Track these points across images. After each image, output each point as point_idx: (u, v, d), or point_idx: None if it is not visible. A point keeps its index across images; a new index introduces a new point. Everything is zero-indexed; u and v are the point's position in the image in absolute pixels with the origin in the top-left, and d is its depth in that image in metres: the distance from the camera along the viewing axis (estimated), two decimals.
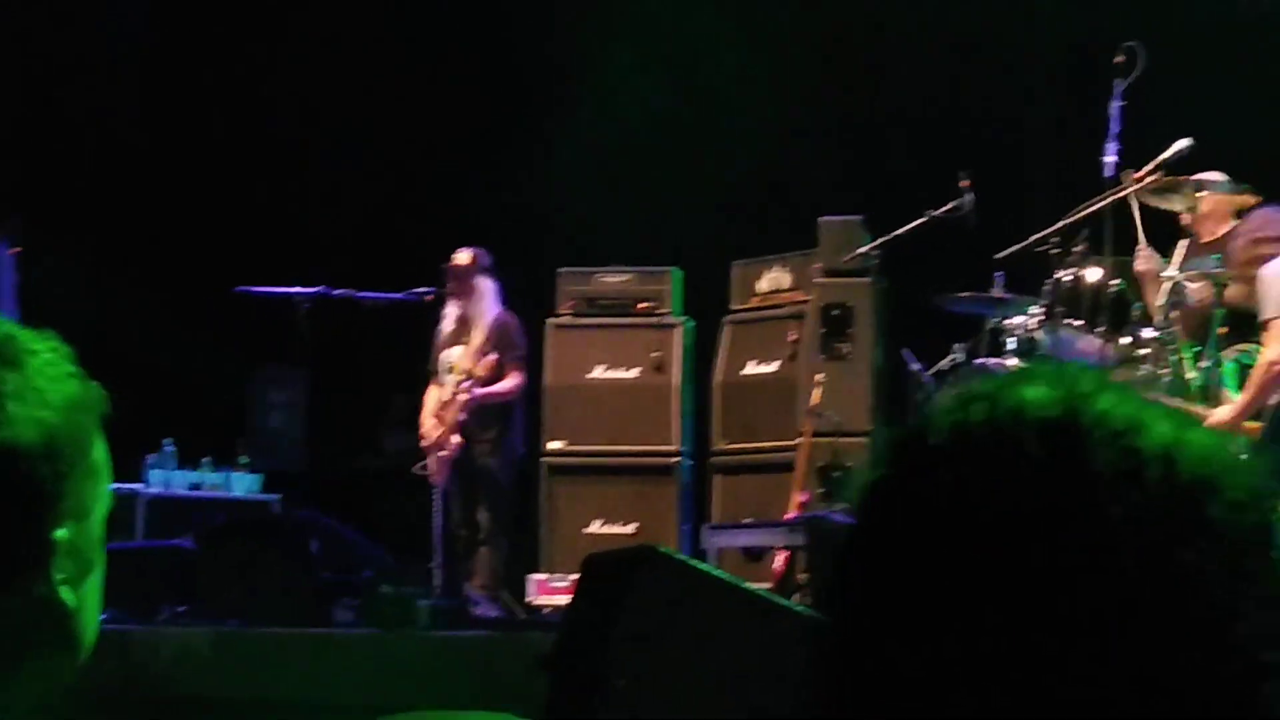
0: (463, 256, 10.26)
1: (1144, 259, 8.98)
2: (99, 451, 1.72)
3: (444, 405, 10.21)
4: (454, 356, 10.26)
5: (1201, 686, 1.07)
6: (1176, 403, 8.34)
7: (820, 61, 12.40)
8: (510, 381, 10.22)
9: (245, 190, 13.14)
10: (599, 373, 11.73)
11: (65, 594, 1.68)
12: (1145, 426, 1.11)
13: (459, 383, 10.10)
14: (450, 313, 10.38)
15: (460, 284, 10.27)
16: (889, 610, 1.11)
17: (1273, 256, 8.07)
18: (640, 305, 11.95)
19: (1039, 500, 1.08)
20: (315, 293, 9.94)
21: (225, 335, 12.33)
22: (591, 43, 13.03)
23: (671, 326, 11.89)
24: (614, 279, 12.02)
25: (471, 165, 12.97)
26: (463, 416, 10.05)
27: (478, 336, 10.20)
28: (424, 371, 10.56)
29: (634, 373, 11.85)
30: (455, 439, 10.07)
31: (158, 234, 13.24)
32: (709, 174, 12.48)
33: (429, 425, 10.22)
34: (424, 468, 10.28)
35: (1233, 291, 8.36)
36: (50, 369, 1.68)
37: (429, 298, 10.17)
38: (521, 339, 10.41)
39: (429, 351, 10.97)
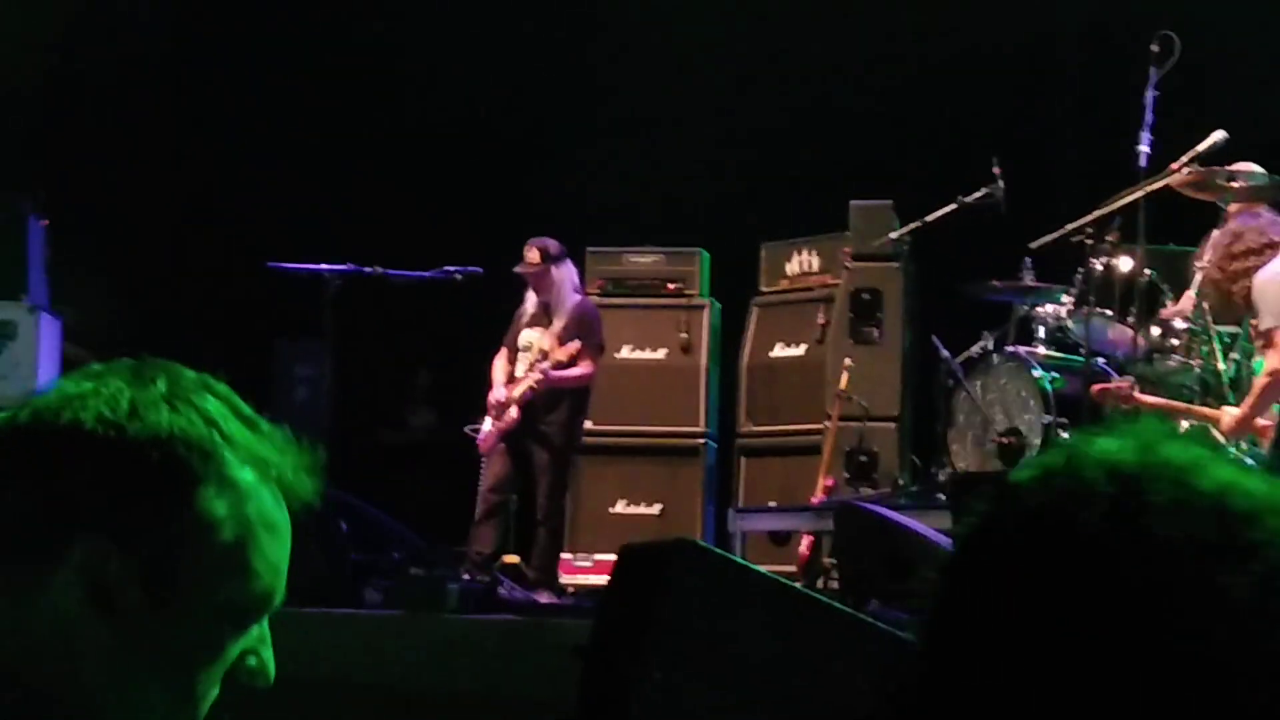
0: (532, 255, 10.23)
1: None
2: (272, 559, 1.68)
3: (512, 380, 10.19)
4: (533, 336, 10.25)
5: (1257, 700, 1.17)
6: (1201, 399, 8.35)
7: (854, 44, 12.37)
8: (583, 369, 10.20)
9: (277, 165, 13.14)
10: (626, 353, 11.75)
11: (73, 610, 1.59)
12: (1203, 468, 1.22)
13: (534, 362, 10.09)
14: (531, 298, 10.36)
15: (537, 280, 10.26)
16: (987, 642, 1.22)
17: (1256, 267, 8.00)
18: (669, 286, 11.96)
19: (1104, 529, 1.19)
20: (346, 270, 9.92)
21: (252, 309, 12.35)
22: (625, 24, 13.01)
23: (699, 308, 11.90)
24: (643, 259, 12.03)
25: (503, 144, 12.96)
26: (529, 395, 10.04)
27: (559, 322, 10.20)
28: (493, 347, 10.50)
29: (661, 353, 11.87)
30: (514, 412, 10.06)
31: (189, 208, 13.26)
32: (740, 155, 12.46)
33: (497, 390, 10.19)
34: (475, 430, 10.25)
35: (1212, 301, 8.33)
36: (254, 446, 1.69)
37: (459, 277, 10.15)
38: (599, 328, 10.39)
39: (457, 330, 10.97)
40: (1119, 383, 8.48)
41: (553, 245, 10.32)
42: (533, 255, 10.26)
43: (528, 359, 10.18)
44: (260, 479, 1.67)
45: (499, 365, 10.35)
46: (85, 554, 1.57)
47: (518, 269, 10.30)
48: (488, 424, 10.18)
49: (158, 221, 13.19)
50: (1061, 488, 1.23)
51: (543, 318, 10.32)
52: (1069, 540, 1.20)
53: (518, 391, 10.09)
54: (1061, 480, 1.23)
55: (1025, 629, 1.20)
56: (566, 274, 10.39)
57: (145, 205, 13.12)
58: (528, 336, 10.29)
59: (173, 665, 1.61)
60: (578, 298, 10.45)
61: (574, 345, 10.08)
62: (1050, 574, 1.19)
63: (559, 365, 10.09)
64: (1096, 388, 8.43)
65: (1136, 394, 8.31)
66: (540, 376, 10.02)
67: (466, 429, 10.36)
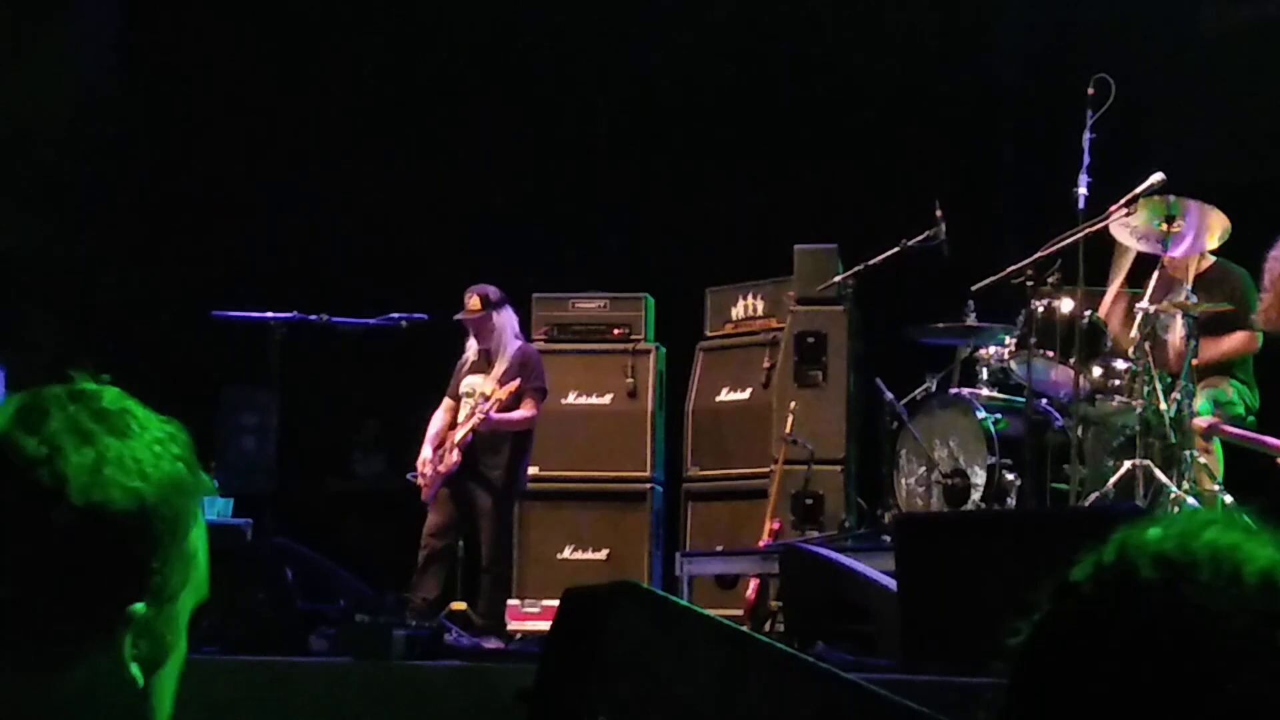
0: (472, 302, 10.26)
1: (1112, 299, 9.04)
2: (196, 540, 1.72)
3: (453, 427, 10.21)
4: (475, 382, 10.27)
5: None
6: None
7: (797, 89, 12.45)
8: (525, 411, 10.22)
9: (222, 213, 13.13)
10: (572, 398, 11.76)
11: (135, 671, 1.67)
12: (1246, 549, 1.28)
13: (475, 406, 10.11)
14: (471, 345, 10.39)
15: (477, 327, 10.28)
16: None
17: None
18: (614, 331, 11.98)
19: (1157, 614, 1.26)
20: (291, 317, 9.92)
21: (198, 357, 12.32)
22: (564, 68, 13.07)
23: (645, 352, 11.93)
24: (588, 305, 12.05)
25: (450, 191, 12.97)
26: (469, 438, 10.06)
27: (500, 366, 10.22)
28: (438, 394, 10.51)
29: (607, 399, 11.88)
30: (455, 456, 10.07)
31: (134, 255, 13.23)
32: (684, 200, 12.51)
33: (432, 444, 10.21)
34: (416, 476, 10.26)
35: (1270, 310, 8.33)
36: (158, 446, 1.69)
37: (405, 324, 10.16)
38: (541, 371, 10.41)
39: (403, 377, 10.97)
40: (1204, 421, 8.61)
41: (492, 291, 10.34)
42: (473, 302, 10.28)
43: (470, 404, 10.20)
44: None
45: (438, 417, 10.36)
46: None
47: (458, 316, 10.32)
48: (427, 470, 10.19)
49: (102, 268, 13.16)
50: (1112, 580, 1.30)
51: (484, 365, 10.34)
52: (1123, 626, 1.26)
53: (459, 435, 10.11)
54: (1111, 573, 1.30)
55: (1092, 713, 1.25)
56: (507, 320, 10.41)
57: (89, 251, 13.09)
58: (470, 383, 10.31)
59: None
60: (518, 343, 10.48)
61: (514, 383, 10.11)
62: (1108, 661, 1.25)
63: (501, 406, 10.10)
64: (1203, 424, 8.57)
65: (1222, 427, 8.46)
66: (481, 418, 10.04)
67: (409, 476, 10.37)
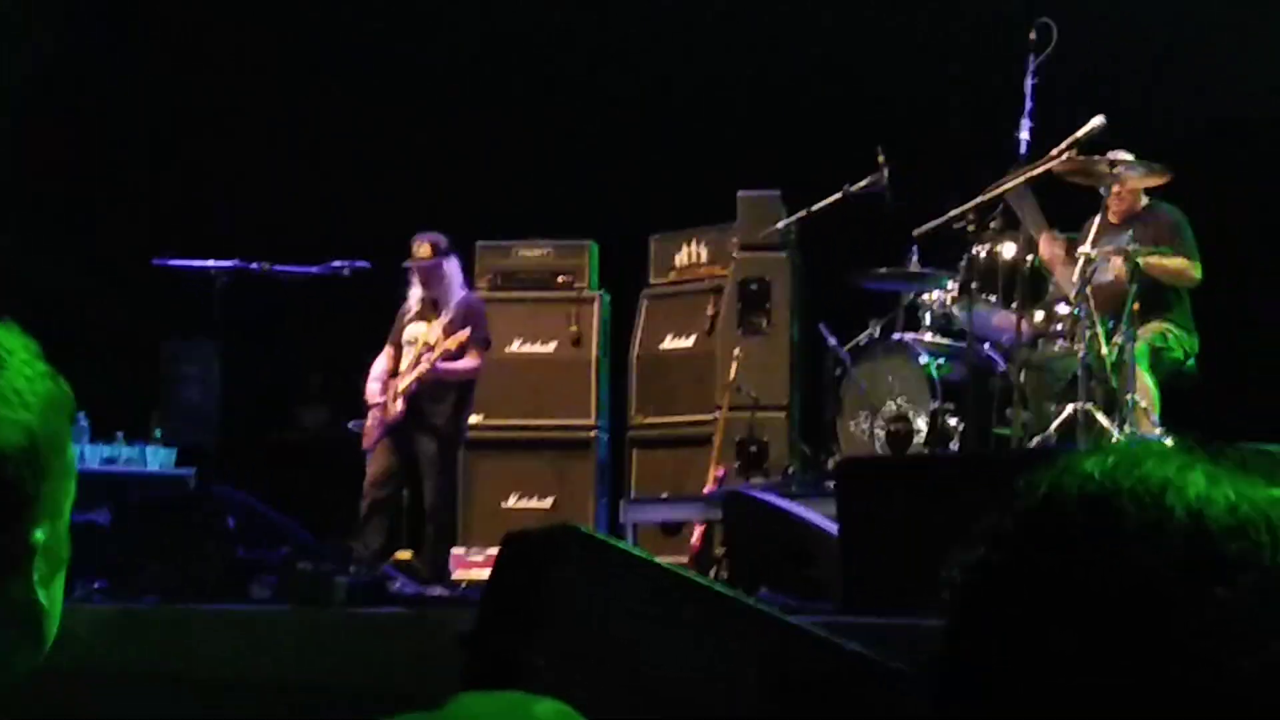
0: (422, 250, 10.22)
1: (1046, 244, 9.05)
2: (70, 449, 1.72)
3: (396, 375, 10.18)
4: (419, 330, 10.23)
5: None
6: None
7: (739, 34, 12.42)
8: (470, 361, 10.20)
9: (162, 160, 13.05)
10: (516, 346, 11.75)
11: (40, 595, 1.68)
12: (1176, 483, 1.24)
13: (419, 354, 10.08)
14: (415, 293, 10.34)
15: (426, 274, 10.24)
16: (995, 652, 1.26)
17: None
18: (558, 279, 11.97)
19: (1078, 558, 1.23)
20: (232, 266, 9.86)
21: (140, 307, 12.25)
22: (510, 13, 13.00)
23: (589, 300, 11.93)
24: (532, 252, 12.04)
25: (390, 138, 12.91)
26: (414, 387, 10.04)
27: (446, 315, 10.18)
28: (361, 341, 10.50)
29: (551, 346, 11.88)
30: (399, 405, 10.05)
31: (72, 205, 13.14)
32: (626, 146, 12.48)
33: (374, 389, 10.19)
34: (358, 425, 10.24)
35: None
36: (26, 369, 1.67)
37: (347, 272, 10.12)
38: (484, 321, 10.38)
39: (347, 325, 10.93)
40: None
41: (442, 240, 10.31)
42: (423, 249, 10.24)
43: (413, 353, 10.17)
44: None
45: (379, 363, 10.34)
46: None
47: (407, 263, 10.29)
48: (370, 420, 10.17)
49: (41, 218, 13.06)
50: (1037, 523, 1.27)
51: (429, 312, 10.30)
52: (1045, 575, 1.23)
53: (403, 384, 10.09)
54: (1037, 515, 1.27)
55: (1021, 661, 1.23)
56: (454, 268, 10.39)
57: (27, 202, 13.00)
58: (413, 331, 10.28)
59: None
60: (464, 292, 10.45)
61: (463, 333, 10.08)
62: (1033, 611, 1.23)
63: (447, 356, 10.08)
64: None
65: None
66: (427, 367, 10.02)
67: (350, 425, 10.34)
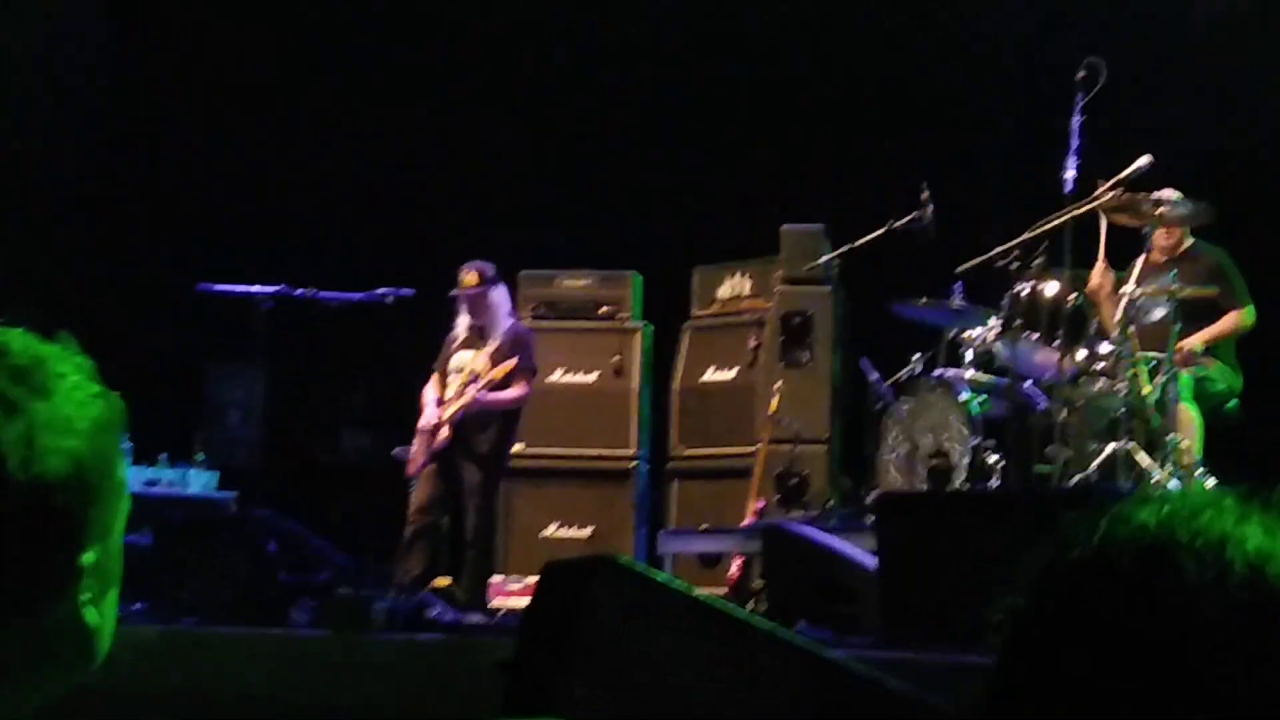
0: (469, 278, 10.24)
1: (1098, 275, 9.06)
2: (121, 469, 1.72)
3: (443, 402, 10.20)
4: (466, 358, 10.26)
5: None
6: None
7: (785, 69, 12.43)
8: (516, 390, 10.23)
9: (211, 185, 13.11)
10: (558, 376, 11.76)
11: (89, 615, 1.68)
12: (1235, 537, 1.23)
13: (466, 383, 10.10)
14: (463, 321, 10.37)
15: (473, 302, 10.27)
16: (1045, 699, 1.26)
17: None
18: (601, 309, 11.97)
19: (1137, 609, 1.23)
20: (277, 291, 9.92)
21: (184, 331, 12.31)
22: (553, 45, 13.05)
23: (631, 331, 11.92)
24: (575, 282, 12.05)
25: (437, 166, 12.96)
26: (459, 415, 10.06)
27: (493, 344, 10.21)
28: (424, 370, 10.52)
29: (593, 376, 11.88)
30: (445, 433, 10.07)
31: (119, 230, 13.21)
32: (671, 177, 12.50)
33: (428, 414, 10.21)
34: (404, 452, 10.26)
35: None
36: (77, 392, 1.67)
37: (390, 299, 10.16)
38: (533, 351, 10.42)
39: (390, 352, 10.97)
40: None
41: (489, 268, 10.34)
42: (470, 277, 10.27)
43: (459, 381, 10.19)
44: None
45: (430, 390, 10.36)
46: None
47: (455, 292, 10.32)
48: (415, 447, 10.19)
49: (87, 244, 13.14)
50: (1092, 569, 1.27)
51: (476, 340, 10.33)
52: (1100, 620, 1.24)
53: (449, 412, 10.11)
54: (1093, 561, 1.27)
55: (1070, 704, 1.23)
56: (501, 297, 10.42)
57: (74, 227, 13.07)
58: (460, 359, 10.31)
59: None
60: (511, 320, 10.48)
61: (510, 363, 10.10)
62: (1085, 655, 1.23)
63: (493, 385, 10.11)
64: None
65: None
66: (472, 397, 10.04)
67: (395, 452, 10.36)
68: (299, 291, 9.99)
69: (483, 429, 10.19)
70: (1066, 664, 1.23)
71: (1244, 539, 1.23)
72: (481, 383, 10.07)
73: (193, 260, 11.39)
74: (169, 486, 11.92)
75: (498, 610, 10.45)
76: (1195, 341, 8.83)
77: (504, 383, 10.18)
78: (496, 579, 10.86)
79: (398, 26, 13.39)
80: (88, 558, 1.66)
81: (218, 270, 10.34)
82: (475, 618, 9.68)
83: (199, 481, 12.04)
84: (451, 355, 10.36)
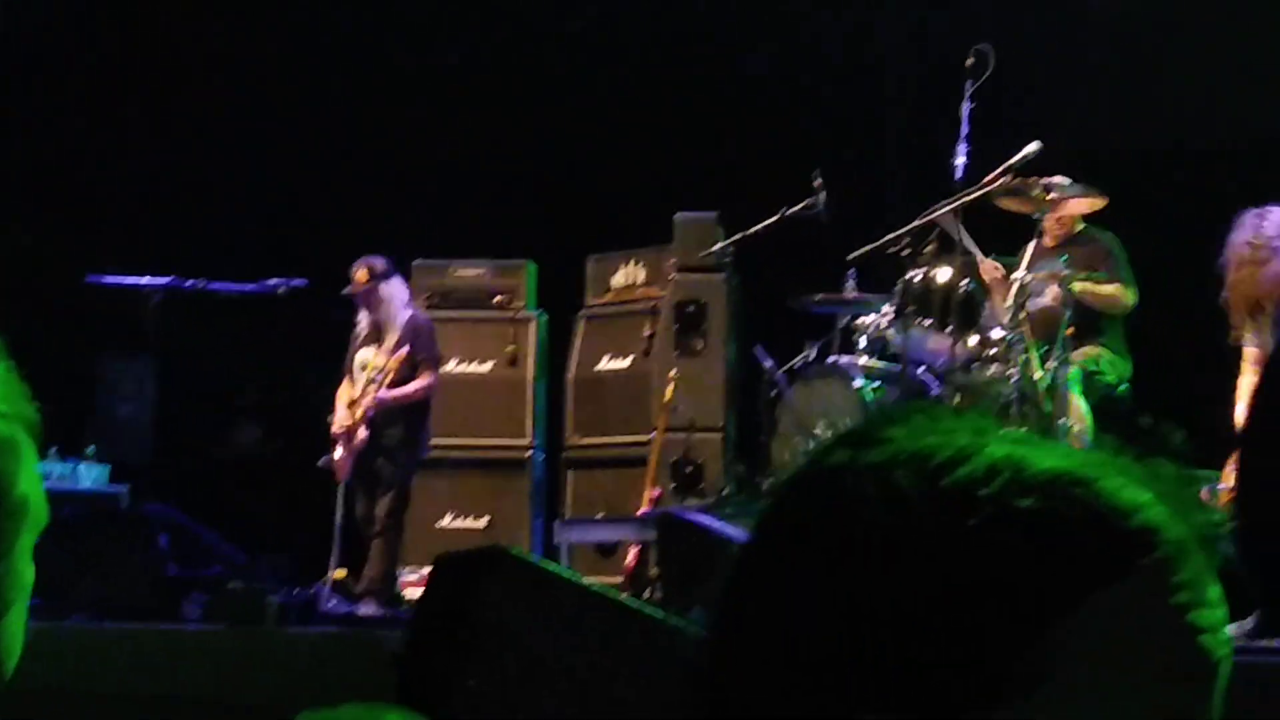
0: (360, 275, 10.20)
1: (989, 269, 9.12)
2: (23, 486, 1.68)
3: (353, 402, 10.16)
4: (368, 355, 10.22)
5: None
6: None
7: (678, 55, 12.44)
8: (420, 382, 10.21)
9: (99, 175, 12.97)
10: (453, 366, 11.71)
11: None
12: (936, 445, 1.21)
13: (369, 380, 10.06)
14: (363, 318, 10.33)
15: (366, 299, 10.23)
16: (771, 605, 1.23)
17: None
18: (495, 298, 11.95)
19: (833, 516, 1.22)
20: (168, 283, 9.83)
21: (73, 324, 12.17)
22: (443, 30, 13.00)
23: (526, 320, 11.91)
24: (469, 272, 12.01)
25: (329, 154, 12.88)
26: (370, 413, 10.03)
27: (391, 338, 10.17)
28: (318, 361, 10.48)
29: (488, 366, 11.86)
30: (362, 433, 10.03)
31: (5, 219, 13.04)
32: (564, 166, 12.48)
33: (340, 417, 10.16)
34: (328, 462, 10.20)
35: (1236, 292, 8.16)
36: None
37: (282, 290, 10.09)
38: (433, 340, 10.38)
39: (282, 343, 10.89)
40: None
41: (379, 262, 10.29)
42: (360, 274, 10.23)
43: (364, 379, 10.16)
44: None
45: (342, 392, 10.32)
46: None
47: (346, 291, 10.27)
48: (338, 453, 10.15)
49: None
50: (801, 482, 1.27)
51: (375, 336, 10.29)
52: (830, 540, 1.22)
53: (358, 413, 10.08)
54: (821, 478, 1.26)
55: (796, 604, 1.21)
56: (395, 290, 10.36)
57: None
58: (362, 356, 10.28)
59: None
60: (409, 312, 10.43)
61: (402, 352, 10.07)
62: (819, 575, 1.21)
63: (398, 378, 10.08)
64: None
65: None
66: (372, 397, 10.02)
67: (320, 463, 10.26)
68: (190, 283, 9.91)
69: (391, 424, 10.18)
70: (775, 579, 1.22)
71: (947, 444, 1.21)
72: (382, 378, 10.04)
73: (81, 252, 11.25)
74: (59, 481, 11.78)
75: (408, 602, 10.43)
76: (1078, 285, 8.81)
77: (410, 375, 10.15)
78: (407, 570, 10.82)
79: (285, 14, 13.28)
80: None
81: (107, 261, 10.23)
82: (369, 608, 9.65)
83: (90, 476, 11.90)
84: (356, 352, 10.33)
